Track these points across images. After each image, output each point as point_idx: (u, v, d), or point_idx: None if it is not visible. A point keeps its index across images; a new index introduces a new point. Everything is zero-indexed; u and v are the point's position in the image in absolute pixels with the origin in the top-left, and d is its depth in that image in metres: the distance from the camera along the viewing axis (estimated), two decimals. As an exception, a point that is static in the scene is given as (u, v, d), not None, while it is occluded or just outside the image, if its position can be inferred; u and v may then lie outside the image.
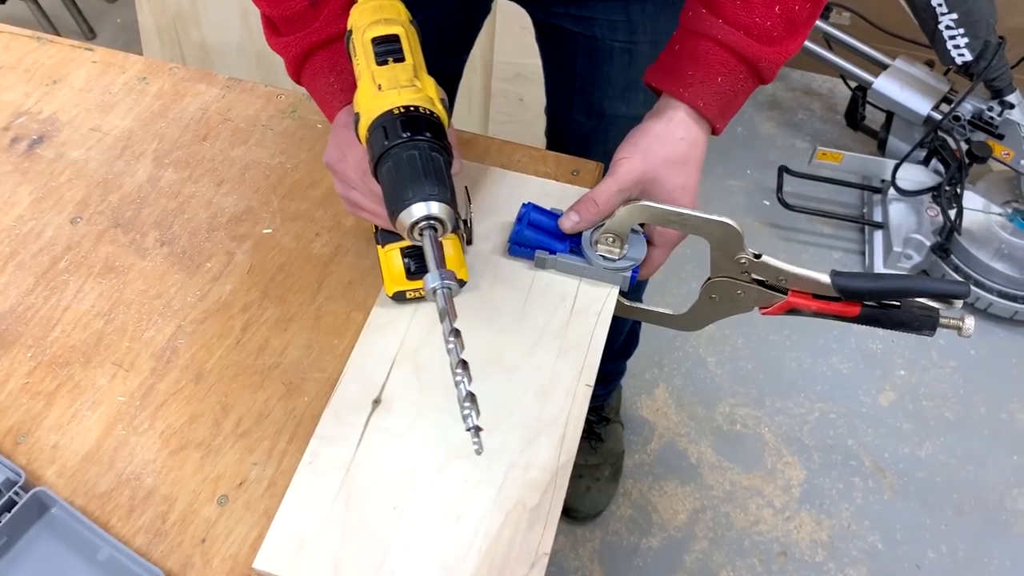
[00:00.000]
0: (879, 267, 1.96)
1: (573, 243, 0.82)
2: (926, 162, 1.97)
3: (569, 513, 1.63)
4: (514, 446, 0.70)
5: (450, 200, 0.62)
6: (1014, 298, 1.90)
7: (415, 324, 0.77)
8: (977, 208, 1.95)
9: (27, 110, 0.93)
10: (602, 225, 0.80)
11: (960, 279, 1.92)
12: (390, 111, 0.63)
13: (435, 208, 0.61)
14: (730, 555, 1.62)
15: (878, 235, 2.01)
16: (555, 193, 0.88)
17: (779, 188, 2.04)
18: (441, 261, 0.62)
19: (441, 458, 0.69)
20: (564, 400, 0.73)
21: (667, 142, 0.77)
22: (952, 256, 1.92)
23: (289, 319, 0.78)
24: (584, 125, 1.13)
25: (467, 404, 0.62)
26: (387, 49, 0.67)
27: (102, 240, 0.83)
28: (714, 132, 0.79)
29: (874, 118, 2.17)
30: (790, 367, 1.88)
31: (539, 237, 0.81)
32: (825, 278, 0.76)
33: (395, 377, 0.74)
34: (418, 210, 0.61)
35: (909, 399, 1.85)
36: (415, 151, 0.62)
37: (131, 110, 0.94)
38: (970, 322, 0.75)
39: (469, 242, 0.82)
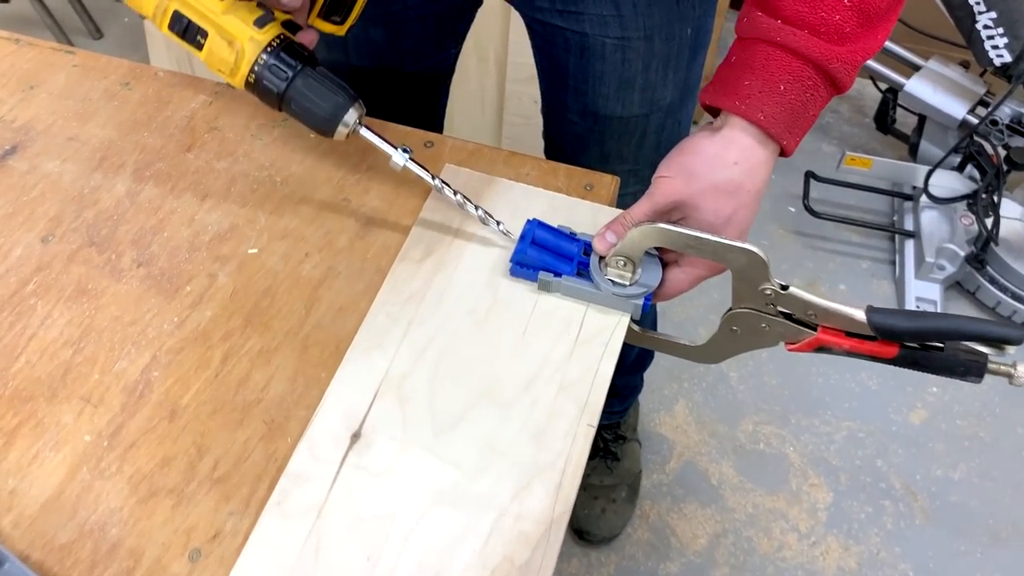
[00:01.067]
0: (910, 278, 1.88)
1: (581, 265, 0.74)
2: (960, 168, 1.88)
3: (583, 536, 1.56)
4: (505, 493, 0.63)
5: (353, 96, 0.72)
6: (1053, 311, 1.81)
7: (404, 349, 0.70)
8: (1015, 216, 1.86)
9: (0, 118, 0.87)
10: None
11: (1006, 322, 1.83)
12: (265, 53, 0.70)
13: (358, 107, 0.72)
14: (753, 582, 1.54)
15: (909, 244, 1.92)
16: (564, 208, 0.81)
17: (805, 194, 1.95)
18: (391, 144, 0.73)
19: (423, 503, 0.62)
20: (563, 442, 0.66)
21: (717, 166, 0.69)
22: (988, 267, 1.83)
23: (273, 349, 0.72)
24: (579, 126, 1.06)
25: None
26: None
27: (75, 260, 0.76)
28: (783, 153, 0.70)
29: (905, 122, 2.08)
30: (816, 383, 1.80)
31: (544, 257, 0.74)
32: (860, 314, 0.69)
33: (378, 409, 0.67)
34: (351, 117, 0.71)
35: (942, 418, 1.76)
36: (310, 77, 0.71)
37: (111, 118, 0.88)
38: (1023, 370, 0.67)
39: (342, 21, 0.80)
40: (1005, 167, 1.74)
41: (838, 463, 1.69)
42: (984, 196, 1.79)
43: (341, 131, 0.72)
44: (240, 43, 0.71)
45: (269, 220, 0.80)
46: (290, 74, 0.70)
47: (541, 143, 1.19)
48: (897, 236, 1.98)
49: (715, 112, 0.73)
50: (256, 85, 0.72)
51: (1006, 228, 1.81)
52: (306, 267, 0.77)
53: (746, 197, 0.70)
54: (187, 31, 0.72)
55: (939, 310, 1.85)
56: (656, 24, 0.94)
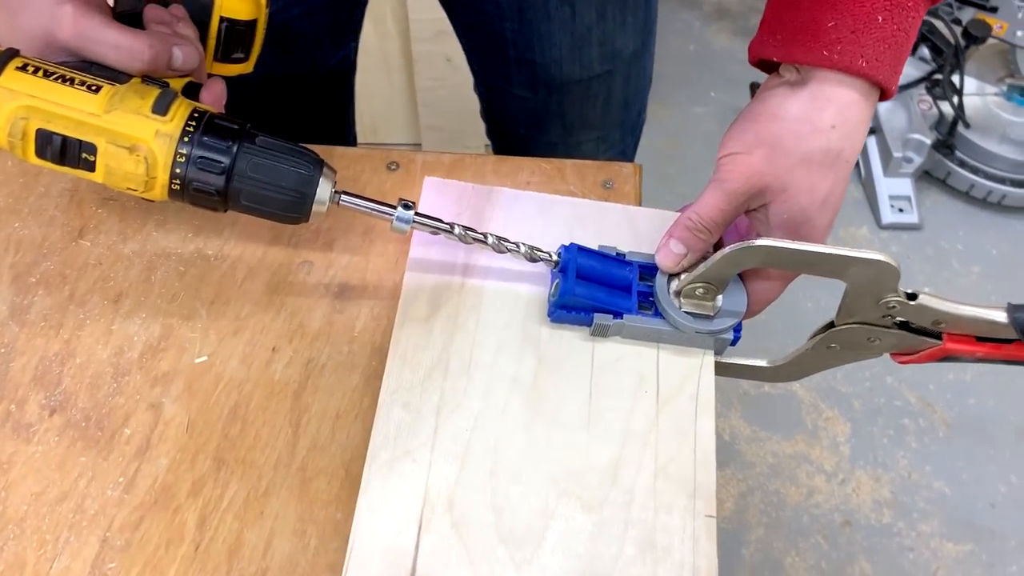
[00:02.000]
0: (879, 176, 1.77)
1: (641, 296, 0.58)
2: (912, 51, 1.76)
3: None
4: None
5: (319, 159, 0.54)
6: (1028, 184, 1.73)
7: (441, 450, 0.53)
8: (971, 92, 1.76)
9: None
10: (681, 271, 0.57)
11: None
12: (184, 145, 0.52)
13: (328, 175, 0.54)
14: (791, 537, 1.44)
15: (871, 141, 1.81)
16: (592, 217, 0.63)
17: (755, 109, 1.81)
18: (382, 203, 0.55)
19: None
20: (682, 546, 0.50)
21: (809, 132, 0.52)
22: (957, 152, 1.73)
23: (263, 493, 0.53)
24: (530, 101, 0.89)
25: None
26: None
27: (-40, 422, 0.56)
28: (884, 97, 0.54)
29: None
30: (807, 307, 1.68)
31: (596, 294, 0.57)
32: (1000, 316, 0.54)
33: (429, 545, 0.49)
34: (324, 190, 0.54)
35: (940, 318, 1.68)
36: (254, 155, 0.52)
37: (-34, 210, 0.66)
38: None
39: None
40: (964, 43, 1.63)
41: (848, 389, 1.59)
42: (941, 77, 1.68)
43: (317, 211, 0.54)
44: (145, 145, 0.51)
45: (212, 312, 0.60)
46: (226, 162, 0.52)
47: (465, 107, 1.00)
48: (856, 135, 1.86)
49: (772, 66, 0.56)
50: (185, 191, 0.53)
51: (967, 107, 1.71)
52: (277, 367, 0.58)
53: (844, 169, 0.54)
54: (65, 153, 0.51)
55: (913, 204, 1.75)
56: None
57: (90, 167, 0.51)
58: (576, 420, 0.54)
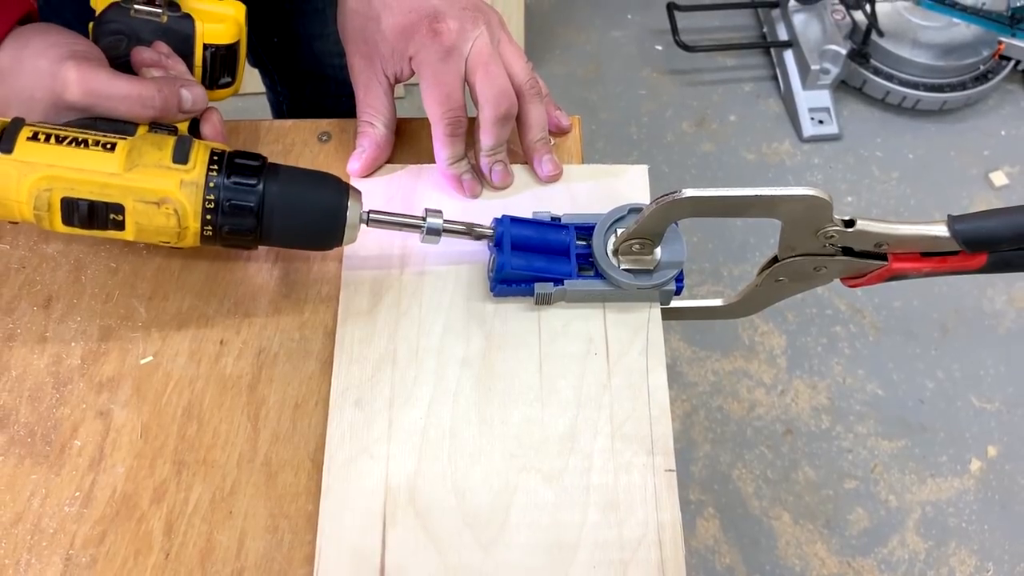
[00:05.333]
0: (798, 89, 1.79)
1: (580, 258, 0.57)
2: (824, -39, 1.76)
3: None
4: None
5: (344, 184, 0.53)
6: (940, 88, 1.77)
7: (397, 441, 0.52)
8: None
9: None
10: (617, 228, 0.56)
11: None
12: (211, 191, 0.50)
13: (355, 197, 0.53)
14: (736, 451, 1.49)
15: (788, 55, 1.82)
16: (524, 183, 0.63)
17: (674, 30, 1.80)
18: (411, 215, 0.55)
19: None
20: (644, 505, 0.51)
21: None
22: (872, 60, 1.75)
23: (229, 492, 0.52)
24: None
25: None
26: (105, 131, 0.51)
27: None
28: None
29: (749, -78, 1.93)
30: (736, 226, 1.71)
31: (533, 263, 0.56)
32: (941, 230, 0.55)
33: (396, 539, 0.50)
34: (354, 212, 0.53)
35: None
36: (280, 185, 0.51)
37: None
38: None
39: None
40: (873, -51, 1.64)
41: (780, 303, 1.63)
42: (853, -14, 1.70)
43: (349, 236, 0.54)
44: (173, 197, 0.49)
45: (151, 309, 0.58)
46: (255, 202, 0.51)
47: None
48: (773, 50, 1.87)
49: None
50: (217, 235, 0.52)
51: (879, 14, 1.73)
52: (227, 360, 0.56)
53: None
54: (93, 217, 0.49)
55: (832, 115, 1.78)
56: None
57: (119, 227, 0.50)
58: (529, 392, 0.54)
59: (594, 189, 0.62)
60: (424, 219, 0.54)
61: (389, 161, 0.63)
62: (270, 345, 0.57)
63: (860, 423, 1.51)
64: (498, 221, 0.56)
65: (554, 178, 0.62)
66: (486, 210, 0.59)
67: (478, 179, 0.61)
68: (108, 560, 0.50)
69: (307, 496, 0.52)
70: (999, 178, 1.76)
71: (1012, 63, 1.80)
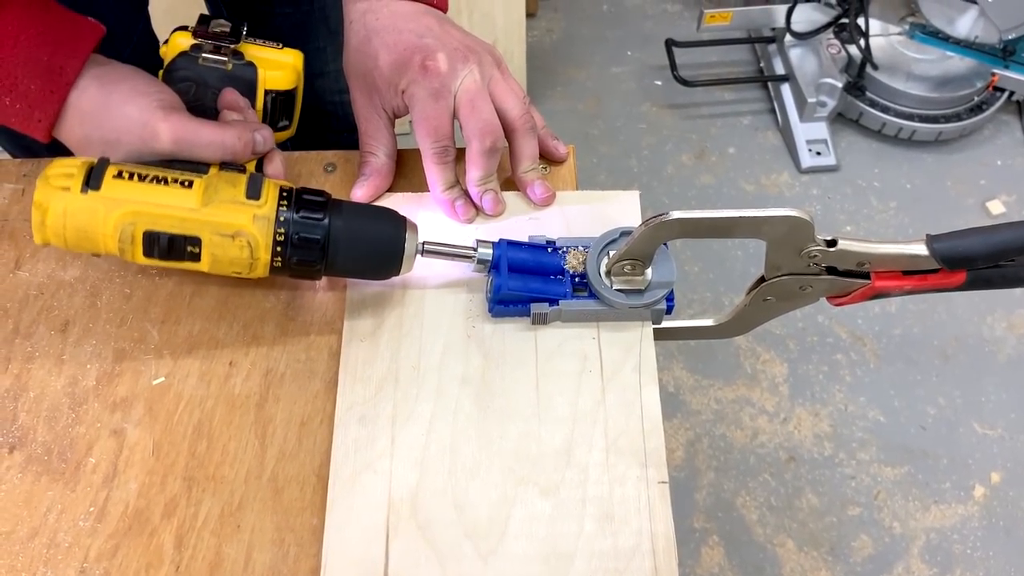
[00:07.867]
0: (795, 122, 1.82)
1: (576, 280, 0.60)
2: (817, -2, 1.81)
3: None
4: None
5: (401, 217, 0.57)
6: (935, 119, 1.80)
7: (400, 458, 0.54)
8: (876, 33, 1.81)
9: None
10: (610, 250, 0.59)
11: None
12: (282, 225, 0.54)
13: (412, 229, 0.57)
14: (740, 478, 1.50)
15: (785, 89, 1.85)
16: (520, 208, 0.65)
17: (672, 65, 1.84)
18: (462, 246, 0.59)
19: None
20: (639, 515, 0.53)
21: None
22: (867, 92, 1.79)
23: (237, 507, 0.54)
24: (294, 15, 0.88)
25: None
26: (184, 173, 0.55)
27: (-83, 469, 0.55)
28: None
29: (744, -39, 1.98)
30: (736, 255, 1.74)
31: (529, 284, 0.58)
32: (920, 249, 0.58)
33: (399, 551, 0.52)
34: (411, 243, 0.57)
35: (863, 255, 1.75)
36: (343, 220, 0.55)
37: None
38: None
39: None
40: (866, -14, 1.68)
41: (782, 331, 1.65)
42: (847, 21, 1.73)
43: (407, 266, 0.58)
44: (247, 231, 0.53)
45: (164, 332, 0.60)
46: (321, 235, 0.55)
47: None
48: (771, 84, 1.91)
49: None
50: (286, 266, 0.56)
51: (873, 48, 1.76)
52: (236, 381, 0.59)
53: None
54: (172, 249, 0.53)
55: (830, 147, 1.81)
56: None
57: (195, 258, 0.53)
58: (526, 409, 0.56)
59: (588, 213, 0.64)
60: (475, 249, 0.58)
61: (390, 189, 0.66)
62: (277, 366, 0.59)
63: (862, 450, 1.52)
64: (495, 245, 0.59)
65: (547, 200, 0.64)
66: (483, 235, 0.62)
67: (471, 204, 0.64)
68: (120, 572, 0.52)
69: (312, 510, 0.54)
70: (996, 207, 1.78)
71: (1006, 94, 1.83)
